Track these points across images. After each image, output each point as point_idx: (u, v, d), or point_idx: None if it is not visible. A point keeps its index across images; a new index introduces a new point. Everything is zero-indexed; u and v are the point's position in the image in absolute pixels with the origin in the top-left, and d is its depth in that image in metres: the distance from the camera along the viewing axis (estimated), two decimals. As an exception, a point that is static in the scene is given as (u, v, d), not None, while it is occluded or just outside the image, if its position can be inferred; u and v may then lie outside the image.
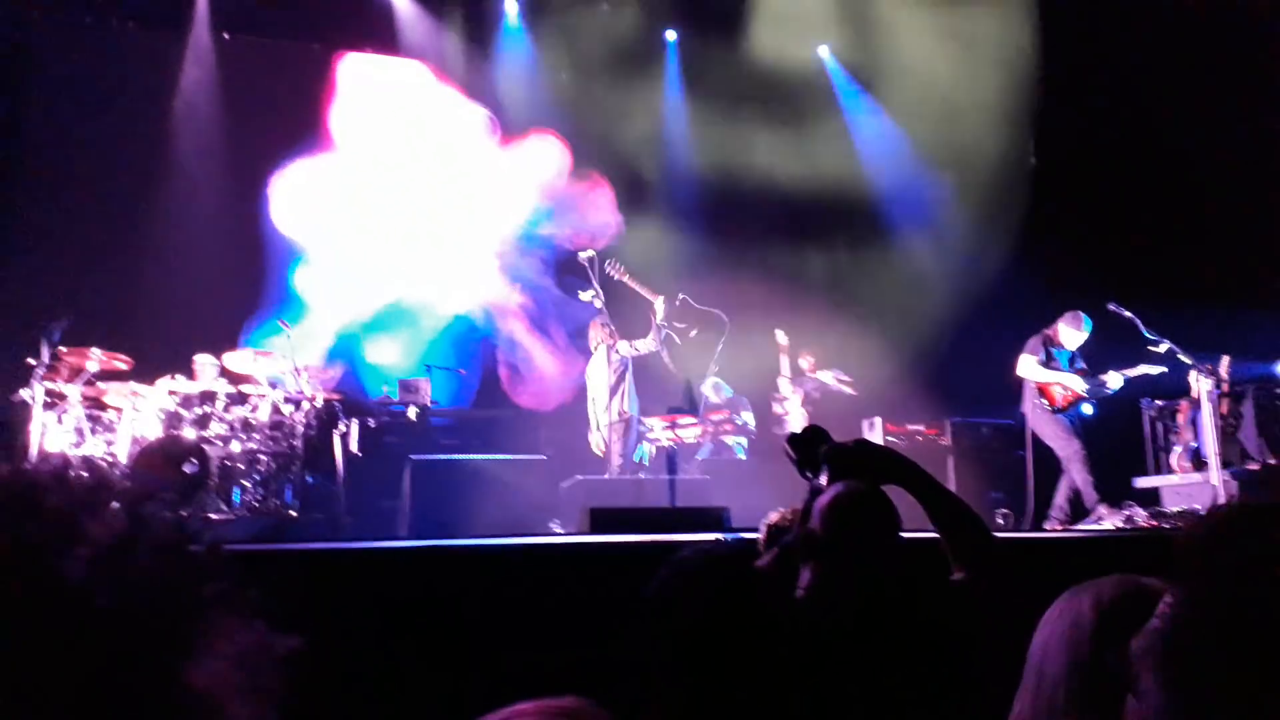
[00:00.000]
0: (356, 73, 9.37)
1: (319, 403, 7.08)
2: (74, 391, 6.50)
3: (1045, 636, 1.22)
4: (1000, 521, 7.73)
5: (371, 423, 7.20)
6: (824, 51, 10.81)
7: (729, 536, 2.82)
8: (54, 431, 6.38)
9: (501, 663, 2.68)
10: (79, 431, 6.41)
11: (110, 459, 6.36)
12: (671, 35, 10.54)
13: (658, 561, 1.66)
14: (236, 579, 0.65)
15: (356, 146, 9.24)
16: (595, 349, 7.11)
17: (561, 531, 4.37)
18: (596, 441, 6.77)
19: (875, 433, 8.55)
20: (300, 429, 6.90)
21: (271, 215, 8.58)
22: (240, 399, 6.99)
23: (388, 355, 8.78)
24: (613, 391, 6.79)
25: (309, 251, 8.74)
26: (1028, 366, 6.85)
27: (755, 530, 2.82)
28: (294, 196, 8.72)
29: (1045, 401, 6.80)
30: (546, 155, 8.93)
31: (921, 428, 8.68)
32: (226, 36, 9.31)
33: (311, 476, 6.91)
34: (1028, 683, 1.23)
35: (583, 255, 6.15)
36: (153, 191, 8.59)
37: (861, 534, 2.05)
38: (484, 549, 3.17)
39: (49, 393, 6.42)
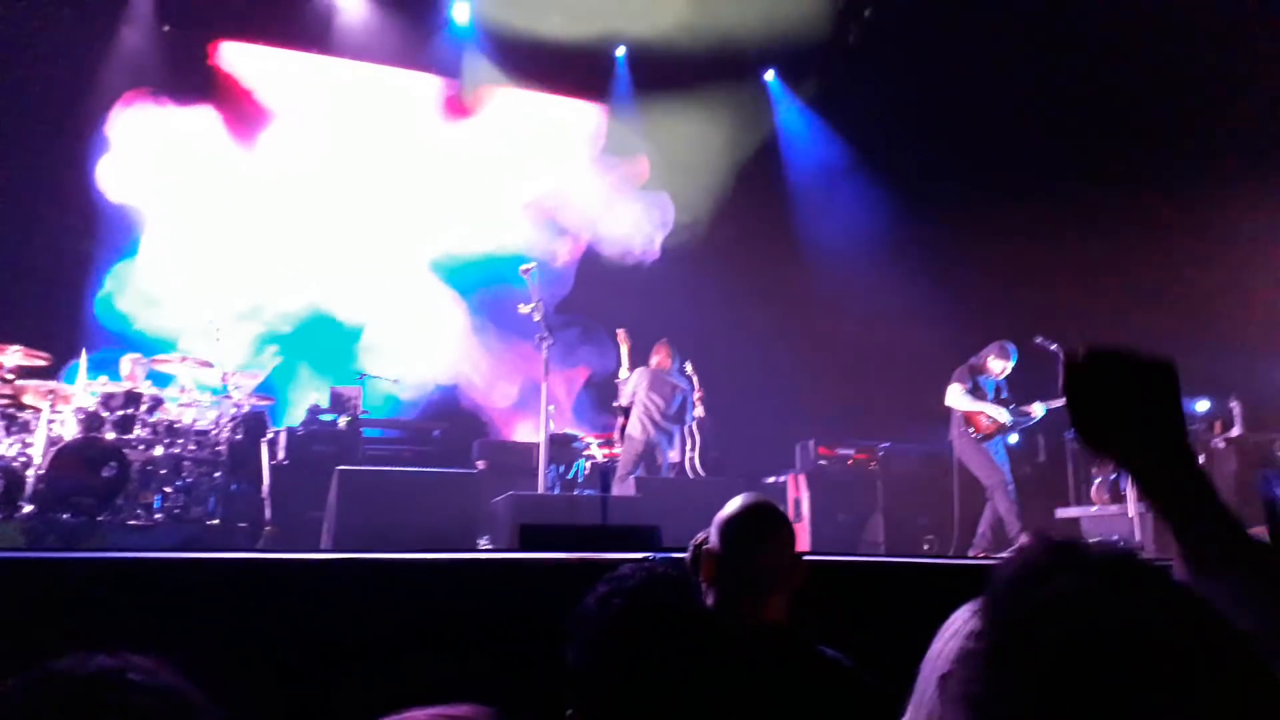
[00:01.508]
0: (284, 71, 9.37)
1: (246, 409, 6.93)
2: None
3: (934, 650, 1.21)
4: (925, 547, 7.89)
5: (300, 430, 7.07)
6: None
7: (657, 556, 2.82)
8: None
9: (419, 676, 2.64)
10: (-10, 430, 6.17)
11: (25, 461, 6.14)
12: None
13: (586, 578, 1.66)
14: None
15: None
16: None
17: (490, 547, 4.34)
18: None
19: (809, 454, 8.66)
20: (226, 435, 6.75)
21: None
22: (163, 402, 6.80)
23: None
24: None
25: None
26: (954, 395, 7.00)
27: (684, 550, 2.82)
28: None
29: (971, 430, 6.95)
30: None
31: (852, 452, 8.81)
32: (166, 29, 9.13)
33: (236, 484, 6.75)
34: (915, 697, 1.23)
35: (523, 268, 6.13)
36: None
37: (762, 554, 2.03)
38: (407, 563, 3.12)
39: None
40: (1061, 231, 8.43)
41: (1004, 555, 1.08)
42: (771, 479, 8.75)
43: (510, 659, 2.61)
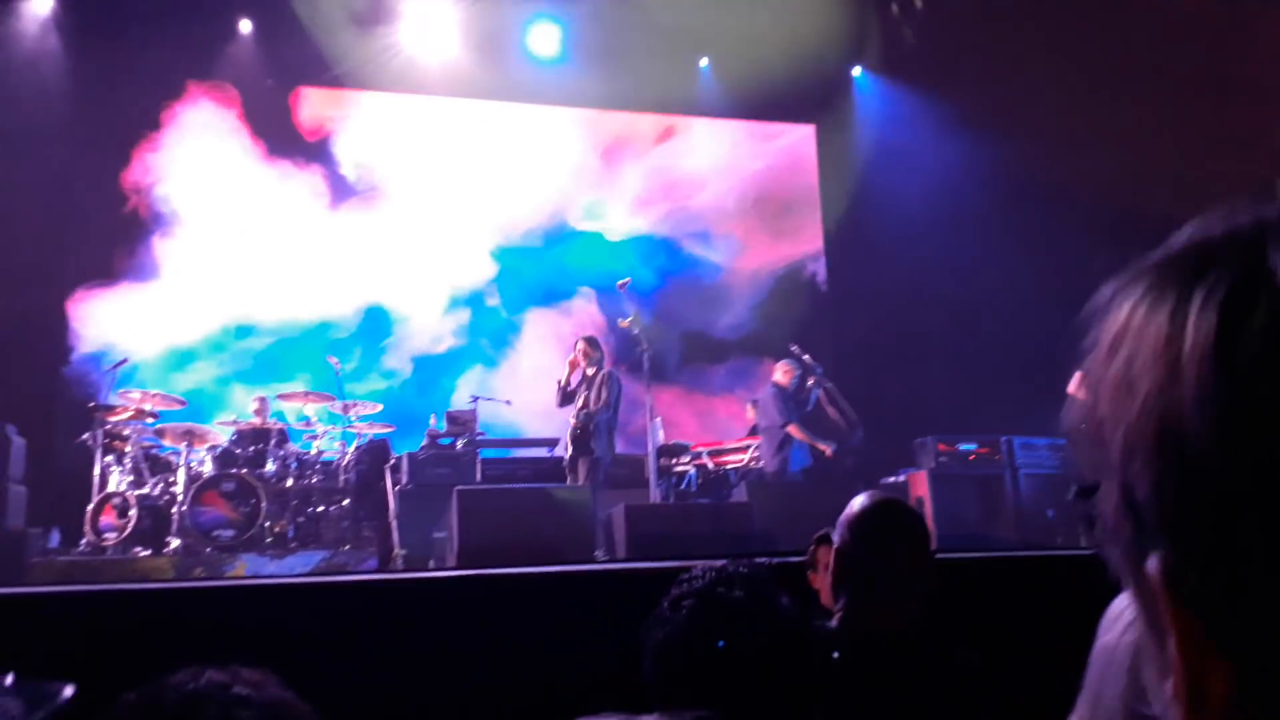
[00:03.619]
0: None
1: (367, 438, 7.21)
2: (134, 432, 6.69)
3: (1107, 643, 1.14)
4: (1058, 540, 7.58)
5: (420, 455, 7.30)
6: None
7: (772, 560, 2.80)
8: (114, 473, 6.57)
9: (545, 686, 2.68)
10: (137, 472, 6.58)
11: (169, 499, 6.52)
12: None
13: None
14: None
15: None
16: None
17: (605, 558, 4.39)
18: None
19: (929, 451, 8.43)
20: (351, 463, 7.02)
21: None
22: (289, 437, 7.14)
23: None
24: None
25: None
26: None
27: (800, 554, 2.78)
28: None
29: None
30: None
31: (975, 446, 8.54)
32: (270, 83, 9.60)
33: (363, 511, 7.01)
34: (1087, 694, 1.17)
35: (620, 283, 6.20)
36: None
37: (894, 552, 1.98)
38: (527, 578, 3.19)
39: (108, 434, 6.62)
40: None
41: None
42: (890, 479, 8.54)
43: (629, 667, 2.62)
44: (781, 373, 7.97)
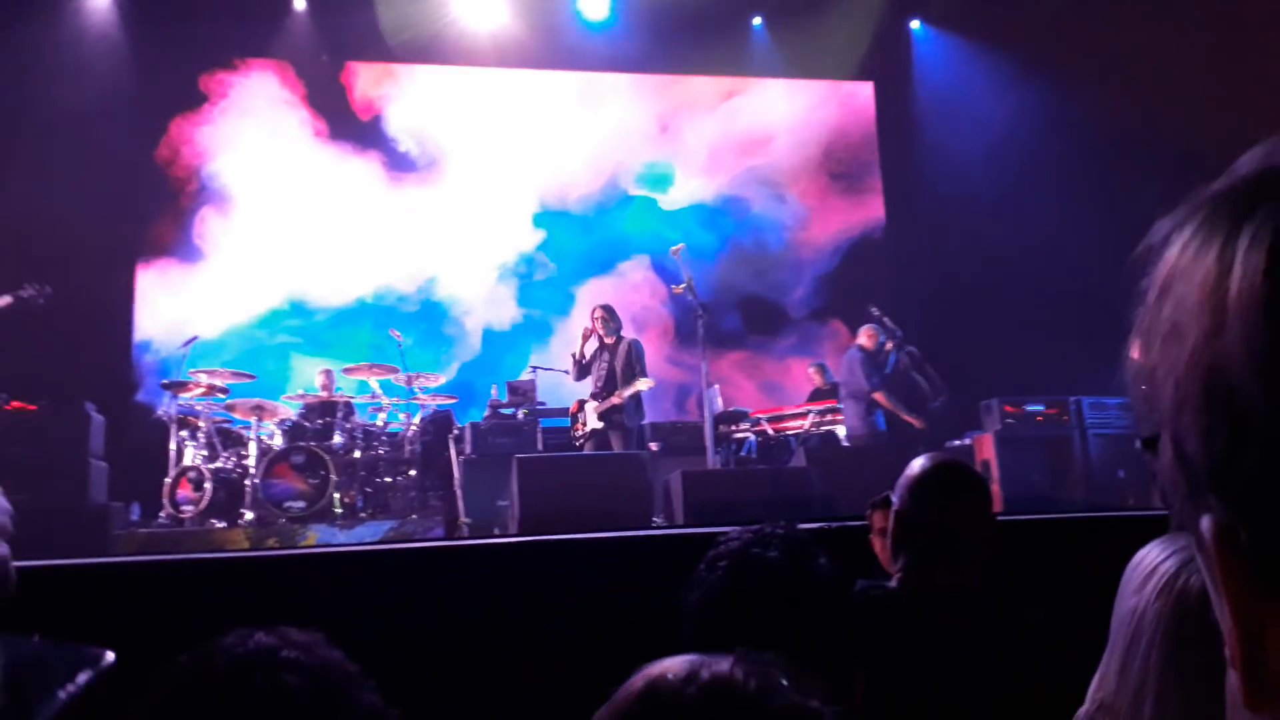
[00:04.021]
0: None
1: (431, 409, 7.34)
2: (205, 408, 6.90)
3: (1134, 606, 1.11)
4: (1130, 501, 7.42)
5: (483, 425, 7.41)
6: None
7: (832, 525, 2.78)
8: (189, 448, 6.78)
9: (605, 649, 2.72)
10: (211, 446, 6.78)
11: (241, 471, 6.72)
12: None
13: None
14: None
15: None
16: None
17: (662, 524, 4.42)
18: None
19: (994, 413, 8.28)
20: (416, 434, 7.15)
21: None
22: (355, 409, 7.30)
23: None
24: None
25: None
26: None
27: (859, 519, 2.76)
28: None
29: None
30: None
31: (1042, 407, 8.36)
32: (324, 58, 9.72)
33: (429, 480, 7.14)
34: (1113, 657, 1.14)
35: (674, 249, 6.18)
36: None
37: (954, 513, 1.95)
38: (586, 543, 3.23)
39: (181, 410, 6.84)
40: None
41: None
42: (955, 442, 8.42)
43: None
44: (865, 336, 7.95)
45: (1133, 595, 1.13)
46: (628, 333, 7.02)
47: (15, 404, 5.93)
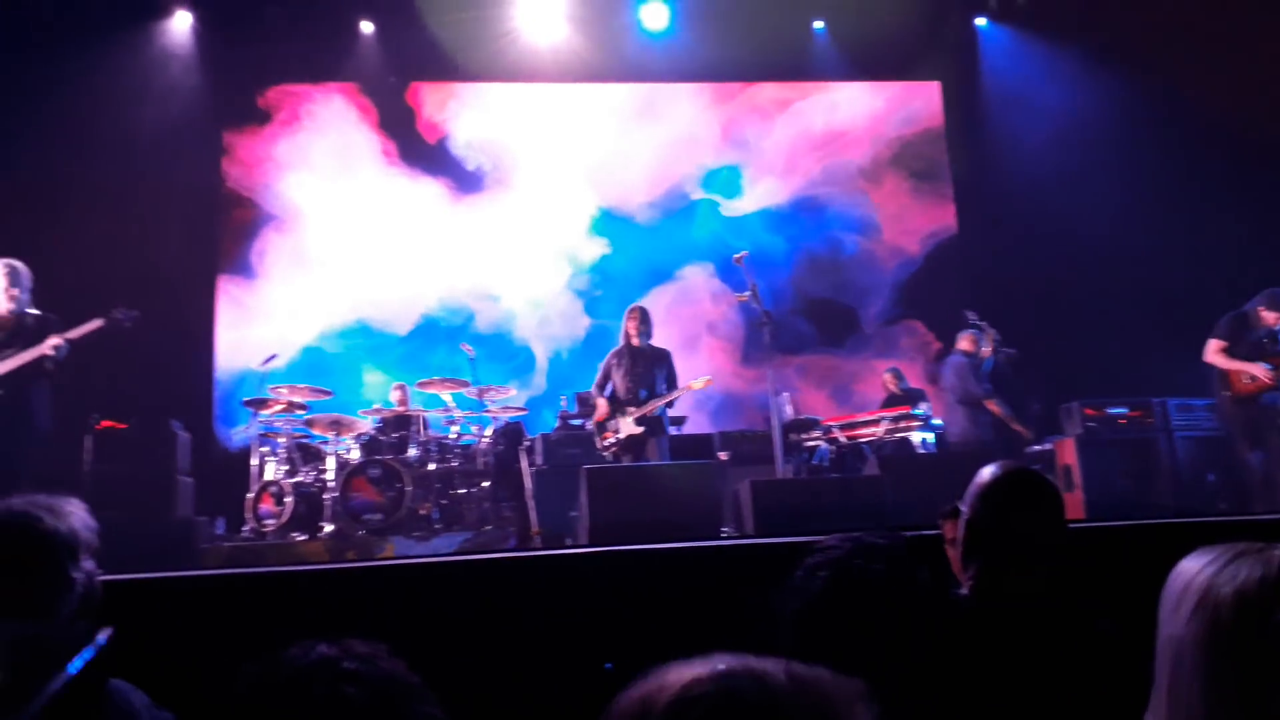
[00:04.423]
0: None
1: (503, 421, 7.43)
2: (285, 424, 7.09)
3: (1173, 635, 1.08)
4: (1222, 506, 7.13)
5: (553, 436, 7.47)
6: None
7: (905, 534, 2.74)
8: (270, 463, 6.98)
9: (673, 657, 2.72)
10: (291, 461, 6.97)
11: (320, 486, 6.89)
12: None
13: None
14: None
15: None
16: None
17: (732, 534, 4.39)
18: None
19: (1075, 417, 8.04)
20: (489, 447, 7.25)
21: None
22: (429, 423, 7.43)
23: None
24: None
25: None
26: (1210, 351, 6.33)
27: (934, 528, 2.72)
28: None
29: (1228, 390, 6.23)
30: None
31: (1125, 410, 8.10)
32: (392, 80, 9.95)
33: (502, 492, 7.23)
34: (1160, 690, 1.10)
35: (736, 257, 6.16)
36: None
37: (1025, 521, 1.91)
38: (655, 553, 3.23)
39: (262, 427, 7.05)
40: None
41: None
42: (1036, 448, 8.20)
43: (757, 640, 2.63)
44: (966, 341, 7.87)
45: (1169, 621, 1.11)
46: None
47: (106, 423, 6.17)
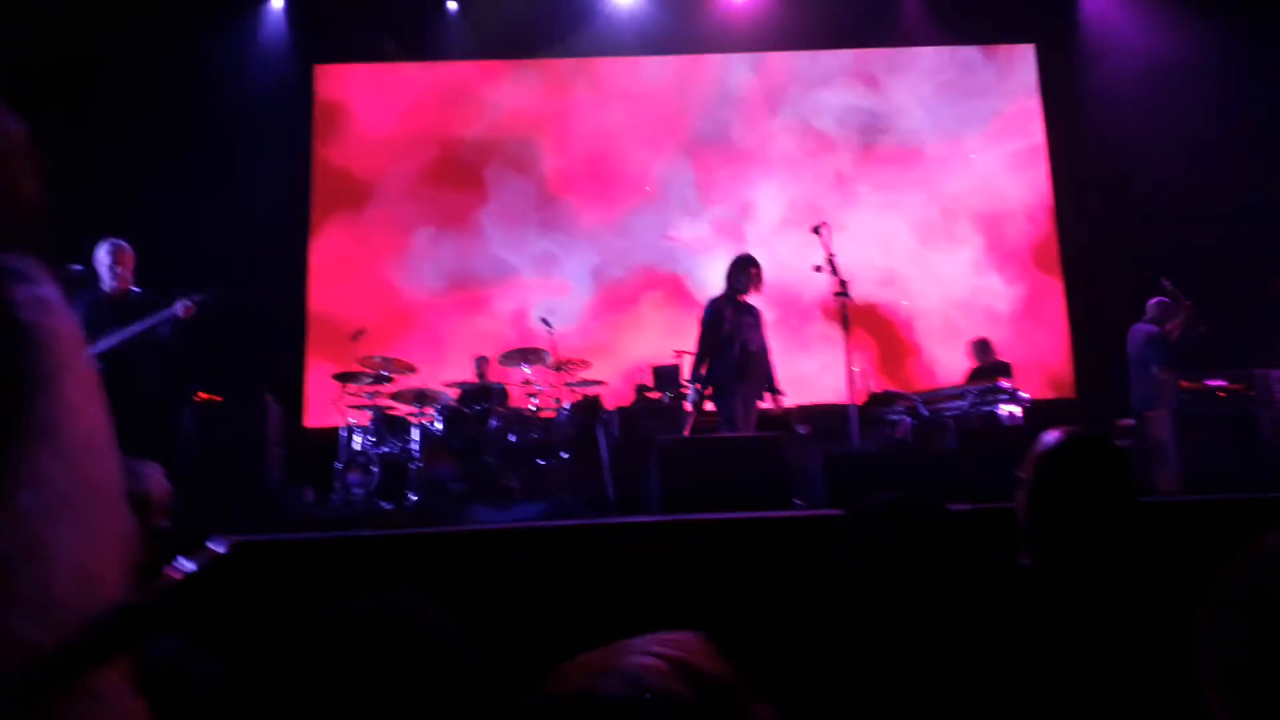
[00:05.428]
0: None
1: (581, 396, 7.53)
2: (371, 396, 7.32)
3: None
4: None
5: (630, 409, 7.54)
6: None
7: (981, 506, 2.71)
8: (357, 434, 7.22)
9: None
10: (378, 433, 7.19)
11: (406, 456, 7.09)
12: None
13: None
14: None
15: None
16: None
17: (802, 505, 4.39)
18: None
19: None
20: (567, 419, 7.36)
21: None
22: (509, 395, 7.58)
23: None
24: None
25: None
26: None
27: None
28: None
29: None
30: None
31: (1224, 382, 7.76)
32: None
33: (580, 463, 7.33)
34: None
35: (813, 226, 6.09)
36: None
37: (1090, 489, 1.87)
38: (725, 523, 3.26)
39: (351, 397, 7.29)
40: None
41: None
42: (1128, 421, 7.93)
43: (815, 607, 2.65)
44: (1157, 310, 7.67)
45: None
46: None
47: (203, 395, 6.46)
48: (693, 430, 6.76)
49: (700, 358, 6.49)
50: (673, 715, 0.77)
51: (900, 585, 1.43)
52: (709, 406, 6.42)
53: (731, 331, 6.31)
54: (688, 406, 6.64)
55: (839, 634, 1.52)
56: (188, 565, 0.88)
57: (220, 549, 0.91)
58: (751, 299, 6.53)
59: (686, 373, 7.19)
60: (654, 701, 0.77)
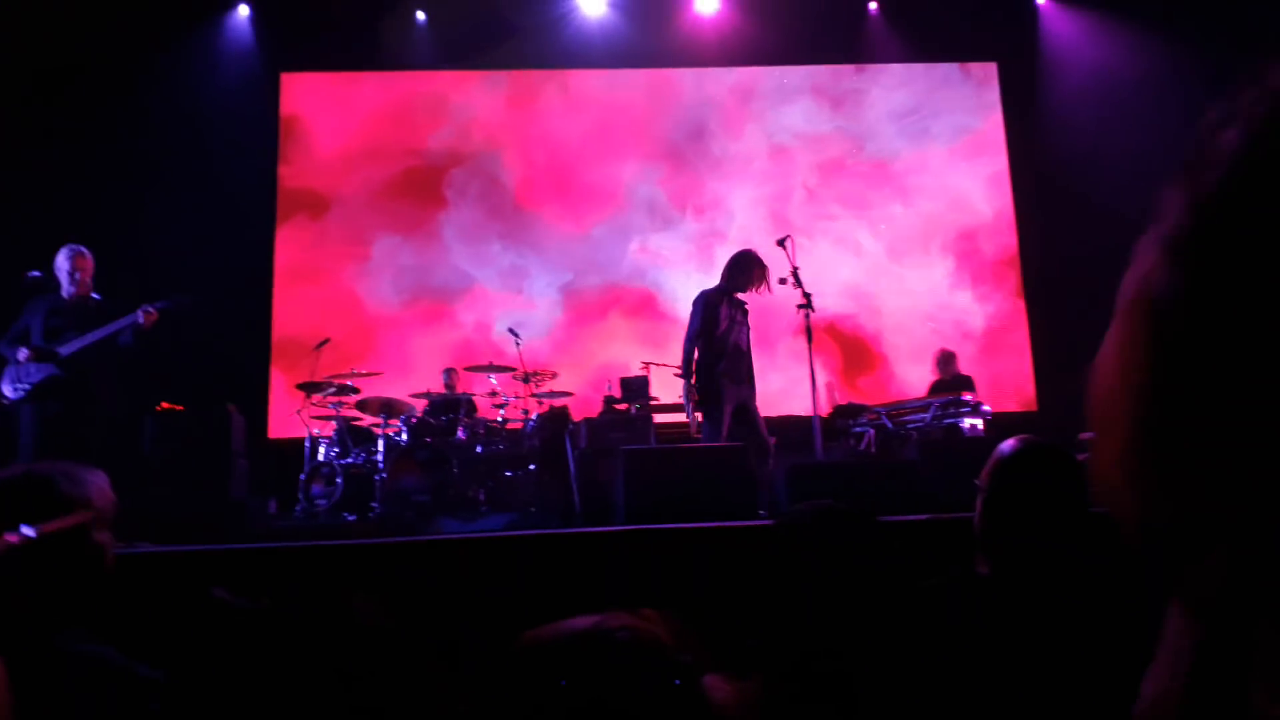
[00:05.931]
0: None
1: (548, 406, 7.52)
2: (335, 406, 7.26)
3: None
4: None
5: (597, 420, 7.54)
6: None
7: (939, 518, 2.74)
8: (321, 445, 7.16)
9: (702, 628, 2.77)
10: (342, 443, 7.13)
11: (370, 467, 7.04)
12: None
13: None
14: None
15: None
16: None
17: (765, 515, 4.42)
18: None
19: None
20: (535, 430, 7.35)
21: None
22: (476, 406, 7.54)
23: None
24: None
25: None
26: None
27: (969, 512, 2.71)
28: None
29: None
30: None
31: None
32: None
33: (547, 474, 7.31)
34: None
35: (778, 240, 6.12)
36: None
37: (1043, 498, 1.89)
38: (688, 532, 3.27)
39: (314, 409, 7.23)
40: None
41: None
42: (1089, 434, 8.03)
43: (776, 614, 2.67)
44: None
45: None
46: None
47: (165, 404, 6.38)
48: (659, 439, 6.78)
49: (690, 351, 6.23)
50: (642, 649, 0.81)
51: (829, 591, 1.45)
52: (698, 417, 6.24)
53: (727, 330, 6.16)
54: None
55: (787, 632, 1.54)
56: (29, 531, 0.89)
57: (30, 533, 0.92)
58: (742, 296, 6.36)
59: (672, 373, 6.89)
60: (625, 636, 0.81)
